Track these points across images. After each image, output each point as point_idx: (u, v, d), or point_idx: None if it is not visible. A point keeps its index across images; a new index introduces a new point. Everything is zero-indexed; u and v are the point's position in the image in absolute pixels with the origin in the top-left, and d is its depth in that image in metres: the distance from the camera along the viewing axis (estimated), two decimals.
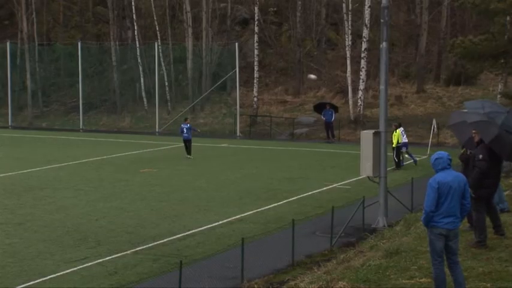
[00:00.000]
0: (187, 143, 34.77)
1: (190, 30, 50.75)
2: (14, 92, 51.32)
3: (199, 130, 38.79)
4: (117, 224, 20.92)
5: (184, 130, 34.90)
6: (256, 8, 48.55)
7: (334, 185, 27.20)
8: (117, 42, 53.04)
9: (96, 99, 52.22)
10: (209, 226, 20.65)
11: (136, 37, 51.79)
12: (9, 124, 49.61)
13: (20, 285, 15.18)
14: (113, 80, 52.65)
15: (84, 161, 34.29)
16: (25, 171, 31.00)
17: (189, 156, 34.50)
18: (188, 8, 50.79)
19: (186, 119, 36.43)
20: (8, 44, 50.93)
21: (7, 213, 22.54)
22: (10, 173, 30.36)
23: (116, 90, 52.29)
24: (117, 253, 17.64)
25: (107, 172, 30.98)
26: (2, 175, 29.91)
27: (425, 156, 32.42)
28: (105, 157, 35.47)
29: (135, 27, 51.94)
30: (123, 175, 30.10)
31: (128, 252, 17.76)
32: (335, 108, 43.53)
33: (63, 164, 33.07)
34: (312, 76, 46.95)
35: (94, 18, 58.32)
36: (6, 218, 21.77)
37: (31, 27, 54.00)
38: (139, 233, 19.86)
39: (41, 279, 15.61)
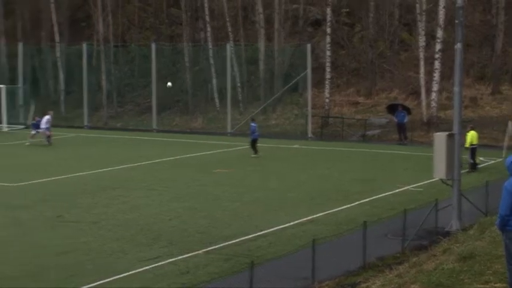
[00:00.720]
0: (255, 142, 35.34)
1: (262, 31, 50.88)
2: (89, 92, 52.24)
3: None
4: (189, 224, 21.10)
5: (256, 130, 35.63)
6: (328, 9, 48.36)
7: (406, 187, 26.88)
8: (190, 44, 53.54)
9: (169, 99, 52.75)
10: (280, 227, 20.65)
11: (208, 38, 52.18)
12: (85, 124, 50.55)
13: (94, 282, 15.47)
14: (186, 80, 53.15)
15: (157, 161, 34.68)
16: (99, 170, 31.55)
17: (257, 155, 34.92)
18: (260, 9, 50.92)
19: (253, 119, 37.55)
20: (84, 45, 51.89)
21: (82, 211, 22.99)
22: (85, 173, 30.95)
23: (188, 91, 52.76)
24: (189, 253, 17.80)
25: (180, 172, 31.27)
26: (77, 174, 30.52)
27: (501, 159, 31.78)
28: (178, 157, 35.81)
29: (208, 29, 52.33)
30: (196, 175, 30.35)
31: (200, 252, 17.89)
32: (407, 110, 43.04)
33: (136, 164, 33.52)
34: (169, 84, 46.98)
35: (168, 19, 58.98)
36: (82, 217, 22.20)
37: (107, 29, 54.94)
38: (211, 233, 20.00)
39: (114, 277, 15.86)
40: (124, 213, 22.72)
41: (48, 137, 39.94)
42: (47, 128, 40.16)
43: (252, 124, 36.37)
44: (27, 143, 39.71)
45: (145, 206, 23.97)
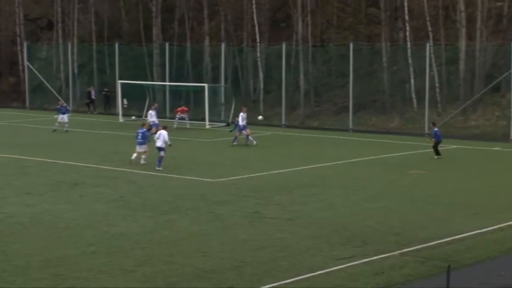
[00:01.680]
0: (437, 144, 35.22)
1: (463, 31, 49.47)
2: (287, 92, 53.07)
3: None
4: (384, 224, 20.96)
5: (438, 133, 35.76)
6: None
7: None
8: (388, 43, 53.05)
9: (366, 99, 52.54)
10: (479, 231, 20.03)
11: (407, 38, 51.47)
12: (282, 123, 51.44)
13: (289, 279, 15.73)
14: (383, 80, 52.73)
15: (352, 160, 34.70)
16: (297, 168, 32.01)
17: (439, 156, 34.82)
18: (462, 8, 49.51)
19: (434, 124, 37.38)
20: (283, 45, 52.78)
21: (279, 208, 23.45)
22: (284, 170, 31.52)
23: (385, 91, 52.30)
24: (384, 253, 17.67)
25: (375, 172, 31.11)
26: (276, 171, 31.15)
27: None
28: (373, 157, 35.63)
29: (407, 28, 51.63)
30: (391, 175, 30.08)
31: (395, 253, 17.72)
32: None
33: (333, 163, 33.70)
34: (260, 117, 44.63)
35: (366, 19, 58.76)
36: (278, 213, 22.65)
37: (305, 29, 55.59)
38: (406, 234, 19.75)
39: (309, 274, 16.05)
40: (320, 211, 22.94)
41: (247, 136, 40.18)
42: (244, 127, 40.47)
43: (435, 129, 36.14)
44: (235, 143, 40.06)
45: (340, 204, 24.08)
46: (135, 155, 32.87)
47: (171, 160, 33.49)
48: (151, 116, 43.75)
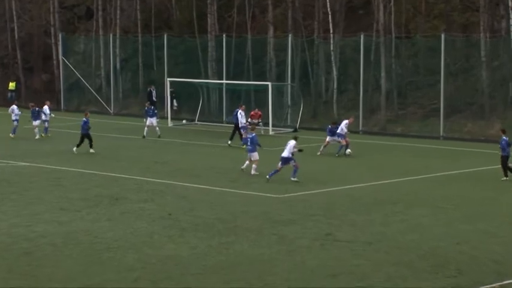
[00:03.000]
0: (506, 160, 32.86)
1: None
2: (365, 92, 52.88)
3: None
4: (481, 250, 20.72)
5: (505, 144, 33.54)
6: None
7: None
8: (487, 34, 52.47)
9: (461, 101, 52.03)
10: None
11: (511, 27, 50.80)
12: (360, 129, 51.22)
13: None
14: (481, 78, 52.14)
15: (444, 173, 34.38)
16: (377, 182, 31.87)
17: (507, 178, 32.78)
18: None
19: (504, 131, 34.87)
20: (361, 36, 52.57)
21: (355, 229, 23.37)
22: (360, 184, 31.41)
23: (484, 91, 51.70)
24: (481, 285, 17.49)
25: (471, 188, 30.79)
26: (351, 186, 31.06)
27: None
28: (469, 170, 35.26)
29: (511, 16, 50.98)
30: (491, 192, 29.73)
31: (495, 285, 17.53)
32: None
33: (420, 177, 33.44)
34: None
35: (461, 5, 58.27)
36: (354, 236, 22.56)
37: (388, 17, 55.33)
38: (508, 263, 19.51)
39: None
40: (404, 234, 22.79)
41: (347, 144, 39.86)
42: (343, 136, 40.20)
43: (504, 138, 33.68)
44: (318, 153, 40.01)
45: (429, 225, 23.90)
46: (247, 162, 34.14)
47: (228, 172, 33.68)
48: (242, 117, 44.40)
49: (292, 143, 32.34)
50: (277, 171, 31.97)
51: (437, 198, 28.43)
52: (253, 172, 33.37)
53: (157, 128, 47.19)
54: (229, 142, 43.82)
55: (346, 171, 35.02)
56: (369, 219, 24.92)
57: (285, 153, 32.11)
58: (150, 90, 58.34)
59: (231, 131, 45.03)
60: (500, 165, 33.20)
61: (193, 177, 32.83)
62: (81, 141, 40.28)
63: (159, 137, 46.65)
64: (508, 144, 33.19)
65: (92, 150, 39.73)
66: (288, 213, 25.89)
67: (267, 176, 31.64)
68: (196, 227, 23.68)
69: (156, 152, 41.31)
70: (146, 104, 50.08)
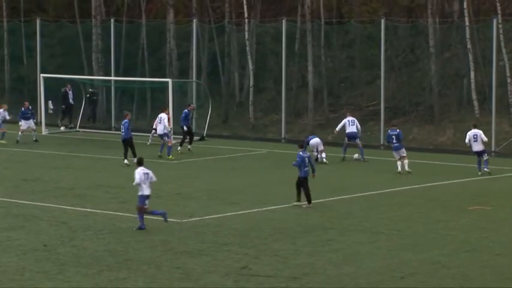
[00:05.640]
0: None
1: None
2: (289, 91, 53.08)
3: None
4: (432, 285, 21.04)
5: None
6: None
7: None
8: (436, 19, 53.24)
9: (405, 101, 52.65)
10: None
11: (465, 11, 51.53)
12: (282, 136, 51.39)
13: None
14: (430, 73, 52.83)
15: (385, 191, 34.75)
16: (300, 203, 31.98)
17: None
18: None
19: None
20: (283, 22, 52.62)
21: (277, 262, 23.45)
22: (283, 206, 31.50)
23: (433, 89, 52.39)
24: None
25: (416, 209, 31.18)
26: (272, 207, 31.15)
27: None
28: (413, 187, 35.73)
29: None
30: (440, 214, 30.18)
31: None
32: None
33: (355, 195, 33.81)
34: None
35: None
36: (276, 269, 22.64)
37: (316, 0, 55.66)
38: None
39: None
40: (336, 266, 22.94)
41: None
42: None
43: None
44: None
45: (366, 255, 24.11)
46: (399, 163, 38.74)
47: (119, 191, 33.52)
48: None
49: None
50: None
51: (376, 222, 28.67)
52: (406, 169, 38.68)
53: (34, 132, 47.96)
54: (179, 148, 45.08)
55: (264, 190, 35.13)
56: (293, 248, 25.00)
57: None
58: (66, 91, 56.42)
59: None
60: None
61: (74, 198, 32.53)
62: (127, 149, 41.12)
63: (35, 140, 47.59)
64: None
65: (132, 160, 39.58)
66: (194, 242, 25.83)
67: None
68: (79, 261, 23.46)
69: (27, 166, 40.90)
70: (25, 104, 49.57)
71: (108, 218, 29.32)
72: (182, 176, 38.57)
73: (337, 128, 44.30)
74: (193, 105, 48.92)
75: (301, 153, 31.96)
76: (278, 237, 26.45)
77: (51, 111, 55.45)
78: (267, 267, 22.88)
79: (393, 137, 39.13)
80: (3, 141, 47.82)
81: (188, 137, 45.65)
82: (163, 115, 44.47)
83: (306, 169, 31.37)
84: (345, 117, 44.22)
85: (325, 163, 41.34)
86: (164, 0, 59.37)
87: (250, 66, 55.30)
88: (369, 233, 27.14)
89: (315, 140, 42.12)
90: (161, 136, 44.04)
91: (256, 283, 21.36)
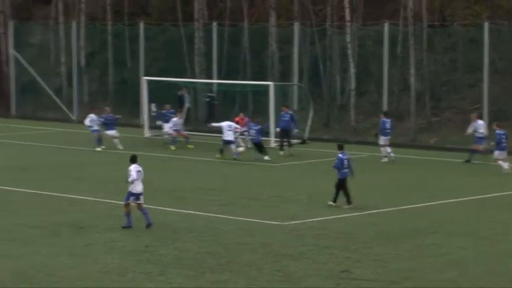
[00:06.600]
0: None
1: None
2: (391, 93, 52.79)
3: None
4: None
5: None
6: None
7: None
8: None
9: (509, 105, 52.00)
10: None
11: None
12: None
13: None
14: None
15: (489, 195, 34.27)
16: (404, 207, 31.79)
17: None
18: None
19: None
20: (385, 25, 52.46)
21: (377, 265, 23.25)
22: (385, 209, 31.36)
23: None
24: None
25: None
26: (373, 211, 31.01)
27: None
28: None
29: None
30: None
31: None
32: None
33: (459, 199, 33.44)
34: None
35: None
36: (376, 273, 22.46)
37: (419, 2, 55.33)
38: None
39: None
40: (439, 271, 22.70)
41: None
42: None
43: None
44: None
45: (470, 260, 23.81)
46: (502, 163, 39.10)
47: (212, 193, 33.63)
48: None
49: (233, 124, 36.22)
50: None
51: (481, 226, 28.37)
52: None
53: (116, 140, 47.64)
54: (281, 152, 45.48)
55: (366, 193, 34.86)
56: (395, 252, 24.84)
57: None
58: (182, 94, 55.48)
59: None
60: None
61: (176, 200, 32.67)
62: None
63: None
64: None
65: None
66: (296, 244, 25.79)
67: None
68: (181, 263, 23.56)
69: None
70: (106, 110, 49.18)
71: (209, 220, 29.36)
72: (282, 179, 38.51)
73: (469, 130, 44.37)
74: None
75: (340, 155, 31.89)
76: (380, 241, 26.28)
77: (154, 114, 55.74)
78: (368, 270, 22.77)
79: (503, 136, 39.16)
80: (190, 146, 48.16)
81: (286, 140, 45.66)
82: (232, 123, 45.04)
83: (345, 170, 31.46)
84: (473, 121, 44.34)
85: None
86: (267, 3, 59.44)
87: (352, 69, 55.15)
88: (473, 237, 26.81)
89: None
90: (228, 142, 43.94)
91: (356, 287, 21.20)
